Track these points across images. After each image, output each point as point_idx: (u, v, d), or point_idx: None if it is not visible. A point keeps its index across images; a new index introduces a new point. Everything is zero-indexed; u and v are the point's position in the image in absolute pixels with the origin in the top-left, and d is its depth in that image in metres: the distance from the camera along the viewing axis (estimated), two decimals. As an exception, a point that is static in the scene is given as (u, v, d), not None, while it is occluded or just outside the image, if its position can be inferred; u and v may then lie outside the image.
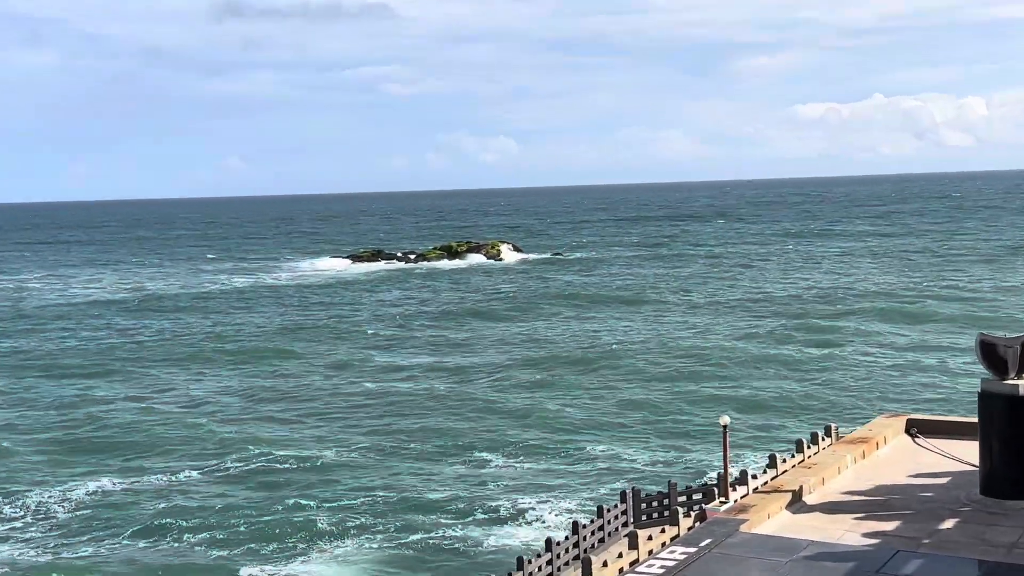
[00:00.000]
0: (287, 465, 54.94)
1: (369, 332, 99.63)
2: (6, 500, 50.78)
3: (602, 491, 48.53)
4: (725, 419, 29.01)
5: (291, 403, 70.47)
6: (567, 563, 27.71)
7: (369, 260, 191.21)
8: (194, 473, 54.37)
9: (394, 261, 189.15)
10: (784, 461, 30.19)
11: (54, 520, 47.81)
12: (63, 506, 49.77)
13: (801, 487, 27.29)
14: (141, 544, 44.32)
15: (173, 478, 53.58)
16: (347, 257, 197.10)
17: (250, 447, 58.86)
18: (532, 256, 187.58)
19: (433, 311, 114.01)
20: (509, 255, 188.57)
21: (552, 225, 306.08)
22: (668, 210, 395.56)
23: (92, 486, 52.61)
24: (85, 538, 45.28)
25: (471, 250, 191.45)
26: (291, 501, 48.94)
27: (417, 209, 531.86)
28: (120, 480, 53.47)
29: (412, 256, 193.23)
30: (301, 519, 46.30)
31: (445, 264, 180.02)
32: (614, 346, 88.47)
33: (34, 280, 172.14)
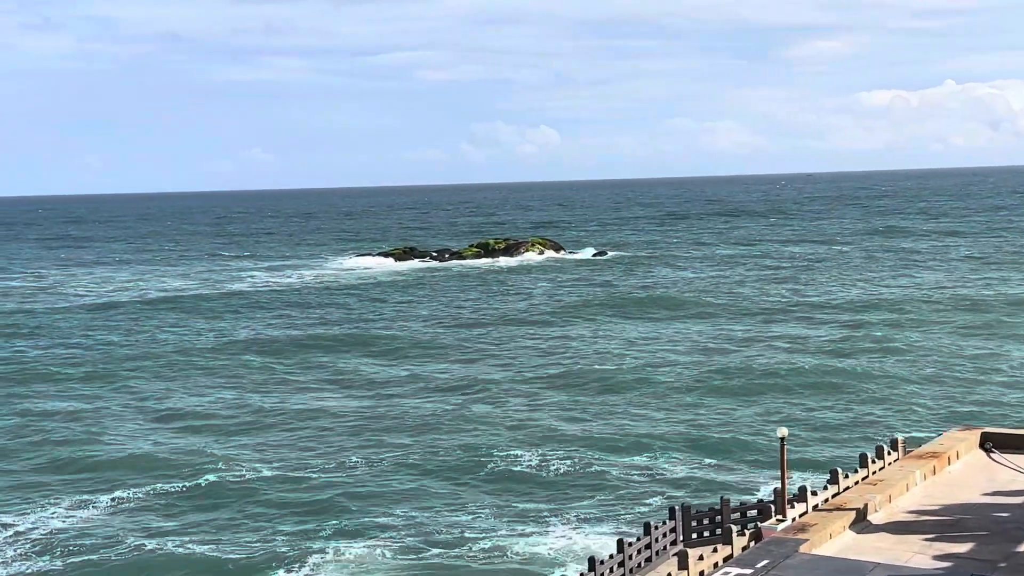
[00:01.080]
0: (306, 478, 55.09)
1: (397, 339, 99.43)
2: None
3: (643, 509, 48.33)
4: (783, 431, 28.78)
5: (308, 417, 70.61)
6: (611, 584, 27.61)
7: (400, 259, 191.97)
8: (206, 488, 54.67)
9: (427, 260, 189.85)
10: (847, 476, 29.96)
11: (45, 545, 48.09)
12: (56, 524, 50.08)
13: (866, 505, 27.01)
14: (146, 554, 44.53)
15: (177, 494, 53.81)
16: (377, 255, 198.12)
17: (264, 462, 59.17)
18: (573, 255, 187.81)
19: (466, 316, 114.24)
20: (549, 254, 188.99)
21: (594, 222, 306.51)
22: (718, 205, 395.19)
23: (93, 501, 52.95)
24: (70, 562, 45.45)
25: (509, 248, 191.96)
26: (310, 517, 49.14)
27: (451, 204, 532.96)
28: (120, 497, 53.79)
29: (446, 255, 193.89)
30: (319, 536, 46.59)
31: (482, 263, 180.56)
32: (657, 353, 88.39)
33: (39, 280, 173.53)
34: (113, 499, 52.82)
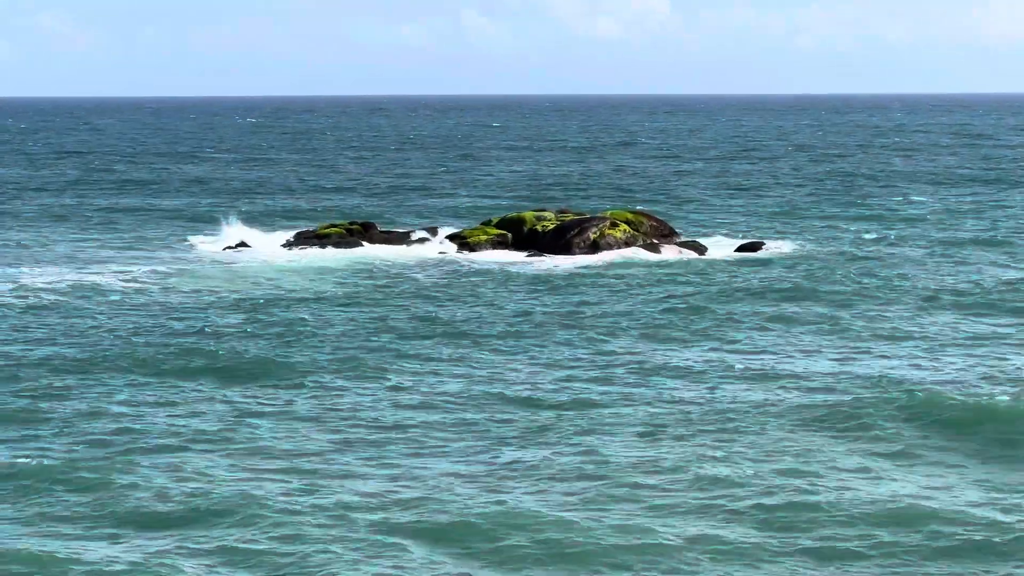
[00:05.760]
0: None
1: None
2: None
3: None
4: None
5: None
6: None
7: (342, 245, 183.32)
8: None
9: (401, 248, 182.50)
10: None
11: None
12: None
13: None
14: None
15: None
16: (288, 243, 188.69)
17: None
18: (705, 251, 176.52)
19: (479, 396, 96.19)
20: (643, 244, 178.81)
21: (713, 178, 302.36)
22: (986, 151, 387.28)
23: None
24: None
25: (565, 232, 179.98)
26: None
27: (449, 134, 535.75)
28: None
29: (437, 240, 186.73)
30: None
31: (509, 260, 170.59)
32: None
33: None
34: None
